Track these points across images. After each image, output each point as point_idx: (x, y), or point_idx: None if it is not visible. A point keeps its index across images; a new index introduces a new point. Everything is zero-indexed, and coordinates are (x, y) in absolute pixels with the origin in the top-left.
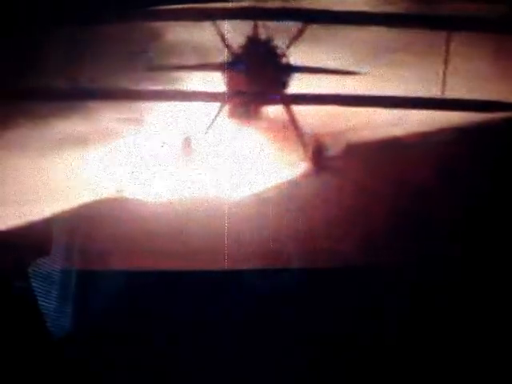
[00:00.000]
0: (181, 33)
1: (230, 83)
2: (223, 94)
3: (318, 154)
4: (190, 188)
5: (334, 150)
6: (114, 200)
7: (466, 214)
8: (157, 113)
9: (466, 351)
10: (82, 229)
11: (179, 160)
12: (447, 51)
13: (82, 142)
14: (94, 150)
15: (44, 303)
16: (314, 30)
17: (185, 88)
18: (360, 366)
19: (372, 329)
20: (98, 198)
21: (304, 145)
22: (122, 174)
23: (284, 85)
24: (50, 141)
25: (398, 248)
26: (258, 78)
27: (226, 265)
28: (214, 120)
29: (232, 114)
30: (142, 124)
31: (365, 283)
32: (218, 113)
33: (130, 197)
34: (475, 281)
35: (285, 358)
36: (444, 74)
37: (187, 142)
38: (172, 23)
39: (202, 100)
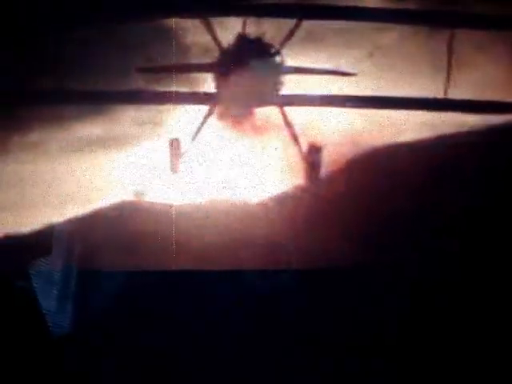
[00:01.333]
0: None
1: (220, 84)
2: (213, 95)
3: (315, 156)
4: (187, 191)
5: (331, 151)
6: (117, 202)
7: (465, 214)
8: (172, 115)
9: (466, 350)
10: (82, 229)
11: (168, 163)
12: (450, 50)
13: (100, 144)
14: (111, 153)
15: (44, 303)
16: (309, 28)
17: (172, 90)
18: (360, 366)
19: (372, 328)
20: (104, 199)
21: (299, 147)
22: (137, 176)
23: (278, 85)
24: (67, 144)
25: (397, 247)
26: (250, 79)
27: (226, 265)
28: (203, 123)
29: (222, 117)
30: (159, 127)
31: (364, 283)
32: (208, 115)
33: (134, 198)
34: (475, 280)
35: (285, 357)
36: (447, 73)
37: (175, 144)
38: (170, 24)
39: (191, 102)
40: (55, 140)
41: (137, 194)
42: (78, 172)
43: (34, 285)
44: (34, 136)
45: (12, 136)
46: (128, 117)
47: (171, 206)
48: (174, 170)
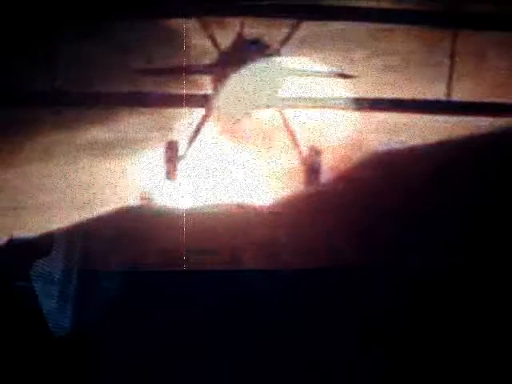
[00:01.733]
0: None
1: (218, 86)
2: (210, 97)
3: (315, 159)
4: (187, 194)
5: (331, 154)
6: (121, 204)
7: (467, 215)
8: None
9: (466, 350)
10: (84, 231)
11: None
12: (453, 50)
13: (105, 148)
14: (117, 156)
15: (44, 303)
16: (309, 29)
17: (167, 91)
18: (360, 365)
19: (372, 328)
20: (109, 202)
21: (299, 149)
22: (143, 180)
23: (277, 87)
24: (73, 147)
25: (397, 248)
26: (249, 80)
27: (225, 265)
28: (200, 126)
29: (221, 119)
30: (166, 130)
31: (364, 283)
32: (206, 118)
33: (139, 201)
34: (476, 280)
35: (285, 358)
36: (449, 75)
37: (172, 146)
38: (170, 24)
39: (187, 105)
40: (60, 143)
41: (142, 196)
42: (83, 175)
43: (34, 285)
44: (41, 140)
45: (16, 140)
46: (135, 120)
47: (175, 209)
48: (170, 173)
